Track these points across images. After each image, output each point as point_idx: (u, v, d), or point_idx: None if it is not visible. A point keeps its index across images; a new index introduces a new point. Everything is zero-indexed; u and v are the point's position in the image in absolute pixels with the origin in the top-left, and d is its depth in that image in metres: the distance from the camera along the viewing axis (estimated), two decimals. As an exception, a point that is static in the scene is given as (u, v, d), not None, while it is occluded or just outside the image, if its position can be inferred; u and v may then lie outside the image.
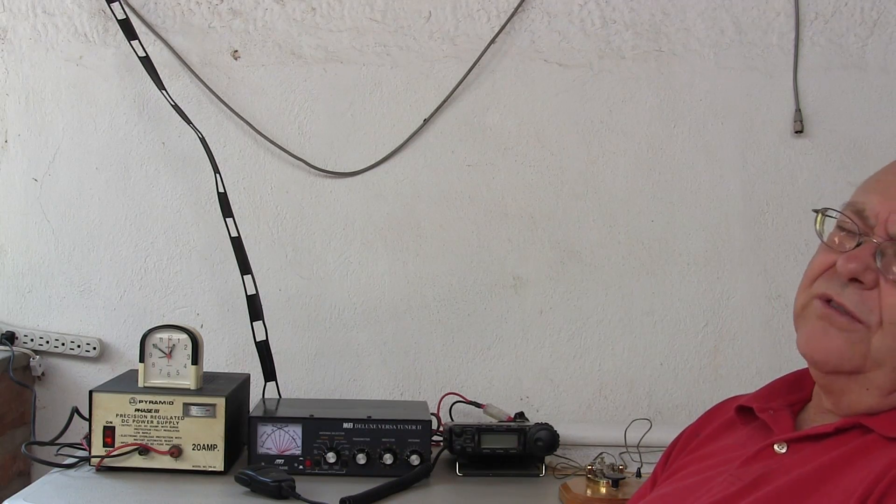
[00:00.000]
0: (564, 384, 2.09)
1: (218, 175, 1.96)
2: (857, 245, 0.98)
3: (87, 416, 1.72)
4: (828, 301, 1.00)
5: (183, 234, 2.08)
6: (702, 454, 1.13)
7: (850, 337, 0.97)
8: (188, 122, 2.00)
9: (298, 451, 1.75)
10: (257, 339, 1.93)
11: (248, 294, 1.93)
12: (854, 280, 0.97)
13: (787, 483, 0.95)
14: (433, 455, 1.81)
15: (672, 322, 2.09)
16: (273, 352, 1.94)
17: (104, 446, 1.70)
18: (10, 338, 2.04)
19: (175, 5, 2.08)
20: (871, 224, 0.98)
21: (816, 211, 1.05)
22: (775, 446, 1.01)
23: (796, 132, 2.05)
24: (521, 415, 1.97)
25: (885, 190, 0.99)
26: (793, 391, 1.13)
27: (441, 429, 1.93)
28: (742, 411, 1.12)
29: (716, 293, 2.08)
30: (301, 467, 1.74)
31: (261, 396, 1.92)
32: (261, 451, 1.75)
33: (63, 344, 2.06)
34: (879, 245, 0.96)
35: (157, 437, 1.70)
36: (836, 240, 1.02)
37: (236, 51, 2.08)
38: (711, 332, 2.08)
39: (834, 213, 1.03)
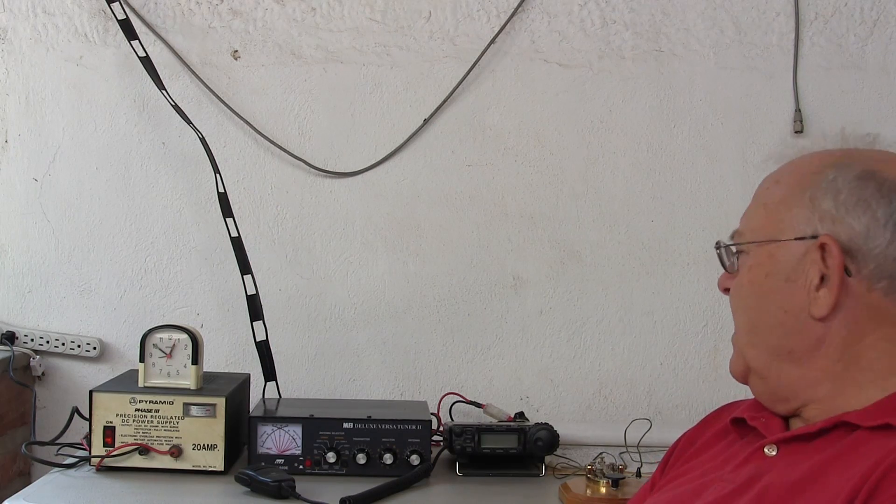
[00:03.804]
0: (564, 384, 2.09)
1: (218, 175, 1.96)
2: None
3: (87, 416, 1.72)
4: None
5: (183, 234, 2.09)
6: (697, 463, 1.14)
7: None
8: (188, 122, 2.00)
9: (298, 451, 1.75)
10: (257, 339, 1.93)
11: (248, 294, 1.93)
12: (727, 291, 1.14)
13: (778, 483, 0.96)
14: (433, 455, 1.81)
15: (672, 322, 2.08)
16: (273, 352, 1.94)
17: (104, 446, 1.70)
18: (10, 338, 2.04)
19: (175, 5, 2.08)
20: None
21: (715, 248, 1.19)
22: (766, 449, 1.02)
23: (796, 132, 2.05)
24: (521, 415, 1.97)
25: (747, 209, 1.13)
26: None
27: (441, 429, 1.93)
28: (736, 422, 1.14)
29: (716, 293, 2.04)
30: (301, 467, 1.74)
31: (261, 396, 1.92)
32: (261, 450, 1.75)
33: (63, 344, 2.06)
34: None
35: (157, 436, 1.70)
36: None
37: (236, 51, 2.08)
38: (711, 332, 2.08)
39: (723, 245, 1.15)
